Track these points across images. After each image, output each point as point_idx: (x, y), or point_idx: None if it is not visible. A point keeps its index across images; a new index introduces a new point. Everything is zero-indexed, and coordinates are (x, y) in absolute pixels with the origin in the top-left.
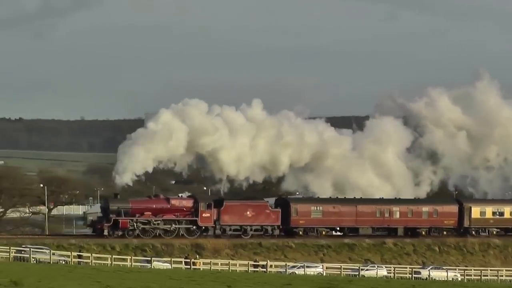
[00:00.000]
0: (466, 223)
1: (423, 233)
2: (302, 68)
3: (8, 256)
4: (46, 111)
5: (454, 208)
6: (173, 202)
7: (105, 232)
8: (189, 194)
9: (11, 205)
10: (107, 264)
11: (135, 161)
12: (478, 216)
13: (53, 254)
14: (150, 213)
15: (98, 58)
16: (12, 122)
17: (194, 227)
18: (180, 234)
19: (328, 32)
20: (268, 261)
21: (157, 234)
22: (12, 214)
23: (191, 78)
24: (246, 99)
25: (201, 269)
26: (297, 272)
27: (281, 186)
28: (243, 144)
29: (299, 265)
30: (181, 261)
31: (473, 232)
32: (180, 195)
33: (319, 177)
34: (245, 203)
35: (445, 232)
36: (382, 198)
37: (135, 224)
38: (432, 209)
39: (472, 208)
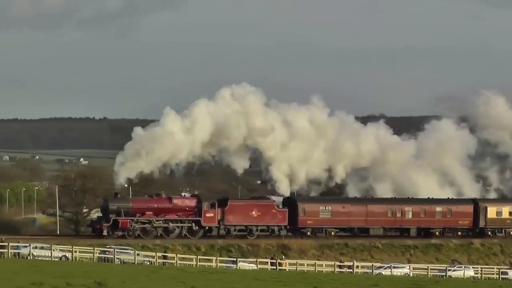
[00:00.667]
0: (481, 223)
1: (437, 233)
2: (361, 67)
3: (93, 257)
4: (129, 110)
5: (469, 208)
6: (175, 201)
7: (104, 233)
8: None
9: (95, 205)
10: (192, 264)
11: None
12: (494, 216)
13: (138, 254)
14: (151, 212)
15: (180, 57)
16: (96, 121)
17: (197, 227)
18: (183, 235)
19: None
20: (355, 261)
21: (158, 234)
22: (96, 214)
23: (287, 80)
24: (300, 99)
25: (287, 270)
26: (383, 273)
27: (345, 190)
28: (297, 156)
29: (386, 265)
30: (267, 262)
31: (489, 233)
32: (183, 194)
33: (379, 181)
34: (250, 202)
35: (459, 233)
36: (394, 197)
37: (135, 224)
38: (446, 208)
39: (488, 208)
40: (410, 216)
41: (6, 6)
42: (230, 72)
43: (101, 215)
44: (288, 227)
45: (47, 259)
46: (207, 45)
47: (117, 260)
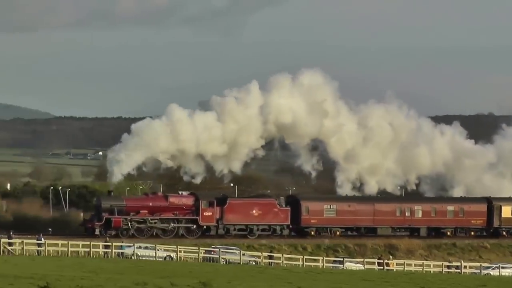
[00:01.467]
0: (496, 223)
1: (448, 233)
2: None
3: (198, 257)
4: None
5: (482, 207)
6: (171, 199)
7: (96, 232)
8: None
9: None
10: (298, 265)
11: None
12: (510, 215)
13: (243, 254)
14: (146, 211)
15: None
16: None
17: (194, 226)
18: (180, 234)
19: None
20: (462, 261)
21: (154, 234)
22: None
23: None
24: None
25: (394, 270)
26: (491, 273)
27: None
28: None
29: (494, 266)
30: (374, 262)
31: (504, 233)
32: (180, 192)
33: (454, 187)
34: (250, 201)
35: (472, 233)
36: (403, 196)
37: (129, 223)
38: (458, 208)
39: (503, 207)
40: (420, 215)
41: (112, 4)
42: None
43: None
44: (290, 226)
45: (151, 259)
46: (304, 43)
47: (222, 260)
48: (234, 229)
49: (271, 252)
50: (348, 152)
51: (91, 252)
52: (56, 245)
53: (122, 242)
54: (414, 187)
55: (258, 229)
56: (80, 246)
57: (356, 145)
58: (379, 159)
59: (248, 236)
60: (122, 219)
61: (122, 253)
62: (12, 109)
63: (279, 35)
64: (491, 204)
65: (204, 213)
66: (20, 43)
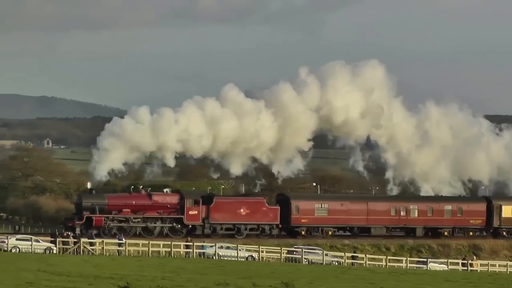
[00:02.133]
0: (496, 223)
1: (446, 233)
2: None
3: (280, 257)
4: None
5: (481, 206)
6: (155, 198)
7: (77, 231)
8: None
9: None
10: (382, 265)
11: None
12: (510, 215)
13: (326, 255)
14: (129, 210)
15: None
16: None
17: (179, 225)
18: (164, 234)
19: None
20: None
21: (137, 233)
22: None
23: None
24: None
25: (478, 271)
26: None
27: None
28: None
29: None
30: (458, 262)
31: (504, 233)
32: (165, 190)
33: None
34: (238, 199)
35: (471, 233)
36: (399, 194)
37: (110, 222)
38: (456, 207)
39: (503, 207)
40: (416, 214)
41: (193, 3)
42: None
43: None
44: (280, 226)
45: (232, 259)
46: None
47: (305, 260)
48: (221, 229)
49: (354, 252)
50: (401, 155)
51: (172, 252)
52: (137, 245)
53: (204, 242)
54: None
55: (246, 229)
56: (161, 246)
57: (411, 147)
58: (434, 164)
59: (236, 235)
60: (103, 218)
61: (204, 253)
62: (93, 107)
63: (359, 34)
64: (491, 204)
65: (189, 212)
66: (101, 41)
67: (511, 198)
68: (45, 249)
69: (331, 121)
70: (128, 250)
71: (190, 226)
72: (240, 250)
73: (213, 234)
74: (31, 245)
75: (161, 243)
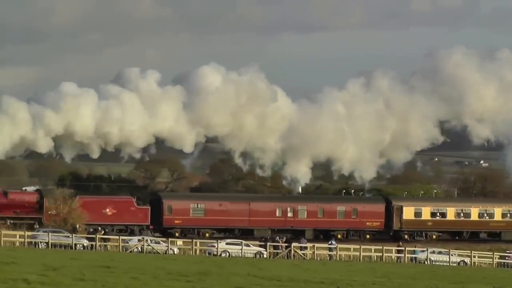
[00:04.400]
0: (396, 226)
1: (339, 236)
2: None
3: (492, 262)
4: None
5: (379, 208)
6: (11, 196)
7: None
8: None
9: None
10: None
11: None
12: (412, 217)
13: None
14: None
15: None
16: None
17: (37, 225)
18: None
19: None
20: None
21: None
22: None
23: None
24: None
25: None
26: None
27: None
28: None
29: None
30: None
31: (406, 237)
32: (24, 188)
33: None
34: (103, 198)
35: (368, 236)
36: (285, 195)
37: None
38: (350, 208)
39: (404, 208)
40: (305, 216)
41: (405, 5)
42: None
43: None
44: (151, 227)
45: (444, 264)
46: None
47: None
48: (85, 229)
49: None
50: None
51: (384, 257)
52: (348, 249)
53: (415, 247)
54: None
55: (113, 230)
56: (373, 250)
57: None
58: None
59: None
60: None
61: (415, 257)
62: None
63: None
64: (390, 205)
65: (49, 212)
66: (311, 44)
67: (413, 198)
68: (255, 254)
69: None
70: (339, 255)
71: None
72: (452, 255)
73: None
74: (241, 249)
75: (373, 247)
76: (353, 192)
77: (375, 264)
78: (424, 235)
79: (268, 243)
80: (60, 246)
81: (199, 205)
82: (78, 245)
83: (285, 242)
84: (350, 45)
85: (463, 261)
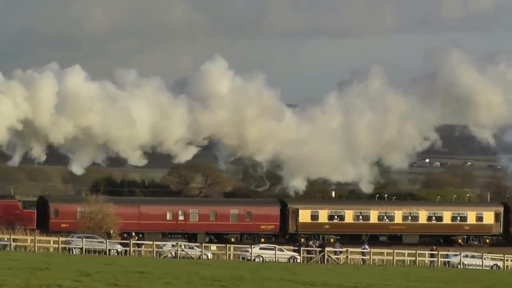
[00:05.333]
0: (292, 229)
1: (232, 239)
2: None
3: None
4: None
5: (274, 210)
6: None
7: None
8: None
9: None
10: None
11: None
12: (309, 220)
13: None
14: None
15: None
16: None
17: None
18: None
19: None
20: None
21: None
22: None
23: None
24: None
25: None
26: None
27: None
28: None
29: None
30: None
31: (303, 240)
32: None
33: None
34: None
35: (262, 240)
36: (177, 198)
37: None
38: (244, 211)
39: (300, 211)
40: (197, 219)
41: (437, 10)
42: None
43: None
44: (37, 230)
45: (477, 268)
46: None
47: None
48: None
49: None
50: None
51: (417, 261)
52: (381, 254)
53: (448, 251)
54: None
55: None
56: (406, 255)
57: None
58: None
59: None
60: None
61: (449, 261)
62: None
63: None
64: (286, 207)
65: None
66: (343, 49)
67: (309, 201)
68: (289, 258)
69: None
70: (372, 259)
71: None
72: (485, 259)
73: None
74: (275, 254)
75: (406, 252)
76: (386, 196)
77: (409, 268)
78: (321, 238)
79: (301, 248)
80: (94, 251)
81: (85, 208)
82: (112, 251)
83: (318, 247)
84: (380, 50)
85: (496, 264)
